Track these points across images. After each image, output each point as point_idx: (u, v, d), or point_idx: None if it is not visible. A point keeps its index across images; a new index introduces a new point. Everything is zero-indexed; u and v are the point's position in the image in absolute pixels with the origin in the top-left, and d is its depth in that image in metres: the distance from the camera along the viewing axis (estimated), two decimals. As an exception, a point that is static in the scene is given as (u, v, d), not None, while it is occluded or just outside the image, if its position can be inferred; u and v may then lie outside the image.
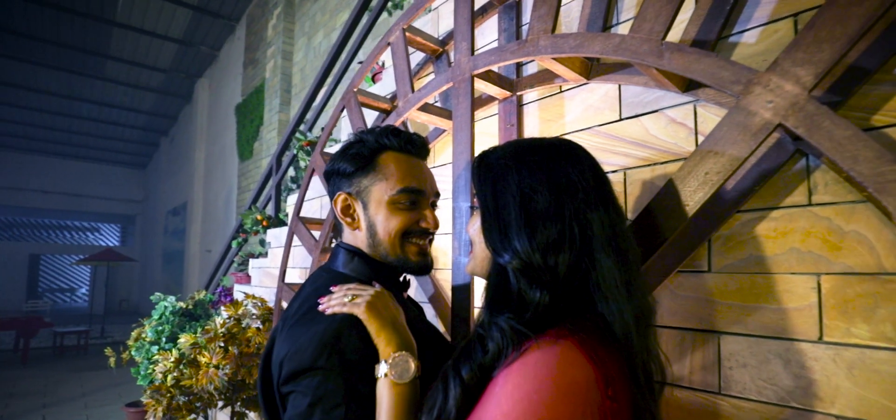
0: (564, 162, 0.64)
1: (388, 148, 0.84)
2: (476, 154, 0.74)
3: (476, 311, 1.04)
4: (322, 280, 0.79)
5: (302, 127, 2.89)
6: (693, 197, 0.77)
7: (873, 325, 0.74)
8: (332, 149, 2.07)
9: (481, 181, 0.68)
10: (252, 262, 2.83)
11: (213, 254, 8.35)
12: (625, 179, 1.07)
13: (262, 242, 3.06)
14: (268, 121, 6.29)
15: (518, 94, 1.30)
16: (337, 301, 0.70)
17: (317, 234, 1.86)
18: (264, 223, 2.86)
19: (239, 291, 3.00)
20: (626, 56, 0.88)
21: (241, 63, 7.88)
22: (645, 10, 0.86)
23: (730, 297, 0.89)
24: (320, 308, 0.71)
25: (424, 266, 0.84)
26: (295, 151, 2.73)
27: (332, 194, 0.86)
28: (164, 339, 2.92)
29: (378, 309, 0.68)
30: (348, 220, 0.83)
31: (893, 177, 0.57)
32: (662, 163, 1.00)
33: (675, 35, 0.97)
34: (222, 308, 3.06)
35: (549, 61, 1.06)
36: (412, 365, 0.63)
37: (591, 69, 1.13)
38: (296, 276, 2.29)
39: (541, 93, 1.27)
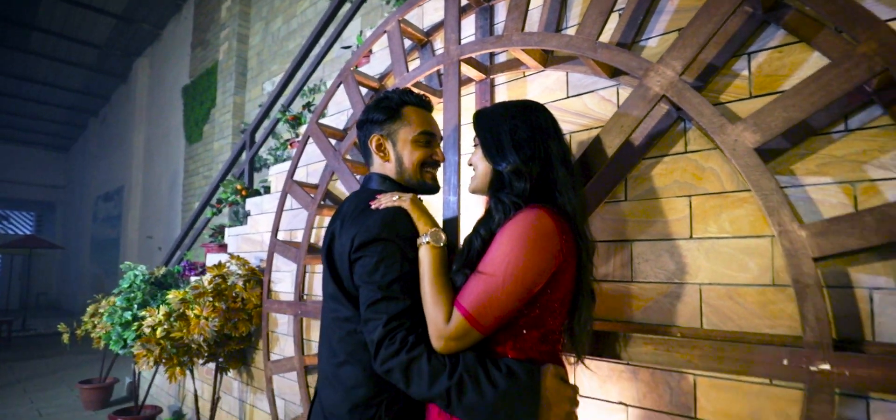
0: (535, 112, 1.03)
1: (408, 103, 1.17)
2: (474, 112, 1.10)
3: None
4: (365, 194, 1.12)
5: (281, 101, 3.10)
6: (613, 143, 1.18)
7: (719, 224, 1.19)
8: (336, 118, 2.34)
9: (481, 125, 1.05)
10: (229, 231, 3.00)
11: (155, 239, 8.08)
12: (570, 140, 1.48)
13: (236, 214, 3.23)
14: (221, 103, 6.25)
15: (491, 77, 1.68)
16: (386, 200, 1.03)
17: (310, 195, 2.14)
18: (244, 193, 3.04)
19: (213, 260, 3.14)
20: (573, 50, 1.28)
21: (188, 43, 7.68)
22: (585, 19, 1.27)
23: (638, 216, 1.32)
24: (373, 206, 1.04)
25: (436, 187, 1.19)
26: (281, 122, 2.94)
27: (365, 137, 1.18)
28: (136, 306, 3.01)
29: (417, 203, 1.02)
30: (381, 154, 1.16)
31: (718, 124, 1.01)
32: (596, 128, 1.42)
33: (605, 38, 1.39)
34: (192, 278, 3.21)
35: (519, 52, 1.45)
36: (443, 236, 0.98)
37: (547, 60, 1.53)
38: (280, 236, 2.52)
39: (508, 77, 1.66)
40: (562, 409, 0.86)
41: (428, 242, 0.96)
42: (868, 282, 1.01)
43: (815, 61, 1.08)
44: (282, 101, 3.18)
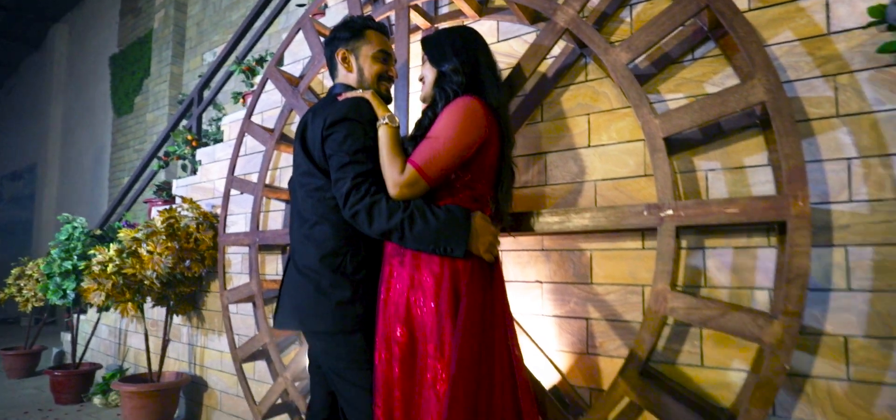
0: (469, 31, 1.33)
1: (370, 27, 1.42)
2: (422, 37, 1.38)
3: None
4: (332, 95, 1.36)
5: (235, 54, 3.19)
6: (530, 66, 1.51)
7: (608, 134, 1.56)
8: (292, 67, 2.51)
9: (429, 42, 1.34)
10: (177, 182, 3.04)
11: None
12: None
13: (184, 167, 3.26)
14: (157, 73, 6.04)
15: (435, 26, 1.96)
16: (351, 94, 1.28)
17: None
18: (194, 143, 3.10)
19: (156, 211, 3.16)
20: (502, -5, 1.59)
21: (116, 11, 7.29)
22: (512, -29, 1.59)
23: (551, 132, 1.66)
24: (340, 98, 1.28)
25: (389, 98, 1.44)
26: (235, 72, 3.03)
27: (332, 51, 1.42)
28: (75, 257, 2.98)
29: (375, 95, 1.28)
30: (345, 65, 1.40)
31: (603, 48, 1.36)
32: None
33: (528, -9, 1.72)
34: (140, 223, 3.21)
35: (459, 1, 1.75)
36: (397, 118, 1.24)
37: (482, 10, 1.84)
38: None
39: (450, 25, 1.95)
40: (486, 239, 1.16)
41: (385, 123, 1.23)
42: (704, 165, 1.41)
43: (672, 8, 1.47)
44: (236, 53, 3.26)
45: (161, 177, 3.97)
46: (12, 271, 3.76)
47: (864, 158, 1.21)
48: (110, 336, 3.66)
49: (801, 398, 1.25)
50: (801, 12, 1.31)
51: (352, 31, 1.40)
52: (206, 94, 3.56)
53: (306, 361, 2.04)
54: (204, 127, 4.13)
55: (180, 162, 3.25)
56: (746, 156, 1.36)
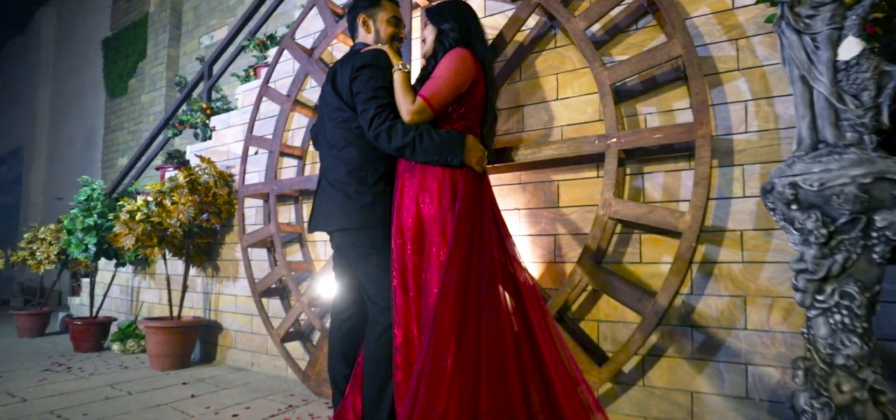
0: (462, 3, 1.71)
1: (385, -1, 1.80)
2: (425, 8, 1.75)
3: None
4: (354, 50, 1.72)
5: (247, 29, 3.49)
6: (510, 34, 1.90)
7: (572, 89, 1.96)
8: (303, 41, 2.85)
9: (431, 11, 1.71)
10: (191, 147, 3.34)
11: (66, 200, 7.67)
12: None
13: (196, 135, 3.56)
14: (153, 56, 6.24)
15: (433, 2, 2.34)
16: (372, 46, 1.65)
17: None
18: (209, 111, 3.39)
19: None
20: (488, -24, 1.98)
21: (109, -5, 7.41)
22: (496, -44, 1.98)
23: (528, 89, 2.06)
24: (363, 51, 1.65)
25: (400, 54, 1.82)
26: (249, 47, 3.34)
27: (354, 16, 1.78)
28: (96, 215, 3.25)
29: (391, 47, 1.66)
30: (365, 28, 1.77)
31: (566, 17, 1.76)
32: (503, 35, 2.14)
33: (509, -26, 2.11)
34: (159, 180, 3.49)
35: (452, -20, 2.12)
36: (409, 65, 1.61)
37: (471, -10, 2.23)
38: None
39: (444, 4, 2.33)
40: (476, 153, 1.55)
41: (400, 69, 1.60)
42: (644, 110, 1.83)
43: (621, -12, 1.88)
44: (249, 28, 3.56)
45: (170, 145, 4.22)
46: (25, 236, 3.98)
47: (756, 100, 1.64)
48: (122, 295, 3.93)
49: (711, 279, 1.67)
50: (714, -8, 1.73)
51: (371, 1, 1.76)
52: (215, 70, 3.84)
53: (320, 290, 2.39)
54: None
55: (192, 130, 3.53)
56: (675, 101, 1.78)
